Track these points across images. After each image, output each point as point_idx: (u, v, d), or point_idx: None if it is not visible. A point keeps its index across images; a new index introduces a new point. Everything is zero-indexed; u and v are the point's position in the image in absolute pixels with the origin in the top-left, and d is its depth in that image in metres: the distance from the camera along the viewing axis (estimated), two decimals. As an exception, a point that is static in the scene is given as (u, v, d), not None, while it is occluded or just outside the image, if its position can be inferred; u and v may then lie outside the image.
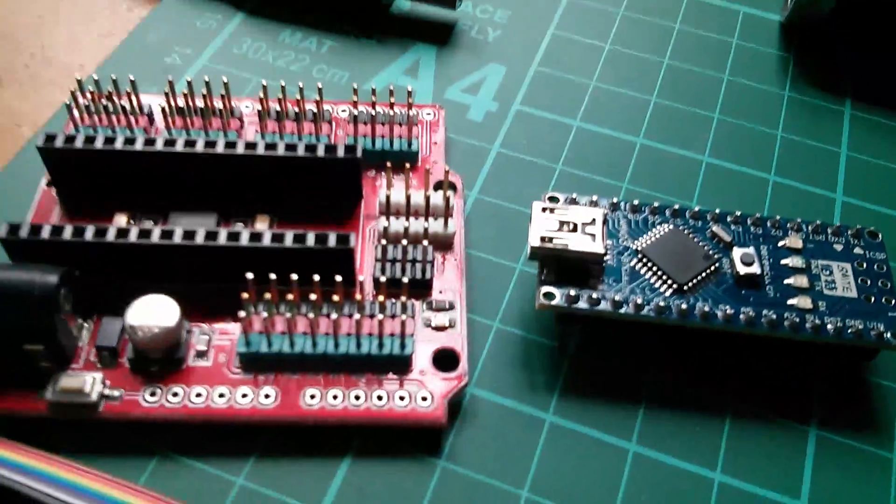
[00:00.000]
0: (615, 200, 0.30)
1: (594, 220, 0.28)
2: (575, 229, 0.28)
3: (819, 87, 0.38)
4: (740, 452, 0.27)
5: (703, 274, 0.28)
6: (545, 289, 0.27)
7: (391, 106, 0.33)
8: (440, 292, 0.29)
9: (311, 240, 0.27)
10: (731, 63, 0.38)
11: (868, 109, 0.37)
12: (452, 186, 0.32)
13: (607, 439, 0.27)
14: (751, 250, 0.28)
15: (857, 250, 0.29)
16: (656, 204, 0.30)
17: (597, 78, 0.38)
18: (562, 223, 0.28)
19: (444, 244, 0.30)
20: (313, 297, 0.26)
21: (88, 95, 0.32)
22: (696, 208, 0.30)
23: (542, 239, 0.27)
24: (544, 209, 0.28)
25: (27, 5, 0.40)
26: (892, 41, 0.38)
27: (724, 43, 0.39)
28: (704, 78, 0.38)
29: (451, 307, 0.29)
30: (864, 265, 0.29)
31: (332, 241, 0.27)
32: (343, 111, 0.34)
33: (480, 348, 0.29)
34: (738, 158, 0.35)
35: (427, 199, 0.30)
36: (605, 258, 0.28)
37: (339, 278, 0.27)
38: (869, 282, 0.28)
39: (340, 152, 0.30)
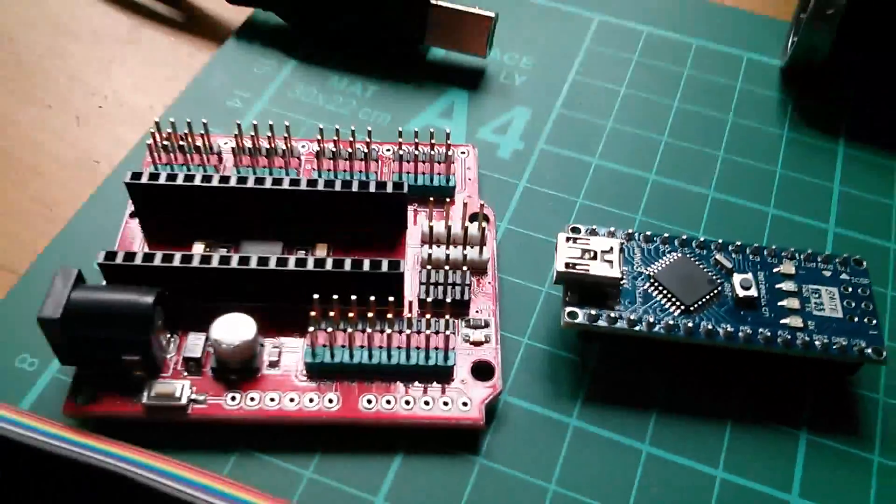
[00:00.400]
0: (630, 231, 0.34)
1: (612, 248, 0.32)
2: (595, 257, 0.32)
3: (815, 128, 0.42)
4: (740, 453, 0.31)
5: (708, 296, 0.32)
6: (569, 309, 0.31)
7: (431, 146, 0.37)
8: (477, 312, 0.33)
9: (367, 265, 0.32)
10: (735, 105, 0.43)
11: (860, 147, 0.41)
12: (486, 218, 0.37)
13: (624, 441, 0.31)
14: (749, 276, 0.32)
15: (844, 276, 0.33)
16: (666, 234, 0.34)
17: (613, 119, 0.42)
18: (584, 251, 0.32)
19: (479, 269, 0.35)
20: (370, 314, 0.31)
21: (165, 135, 0.36)
22: (702, 238, 0.34)
23: (567, 265, 0.31)
24: (568, 238, 0.32)
25: (98, 51, 0.45)
26: (883, 85, 0.42)
27: (729, 87, 0.44)
28: (711, 119, 0.42)
29: (487, 325, 0.33)
30: (850, 289, 0.33)
31: (385, 266, 0.32)
32: (388, 150, 0.38)
33: (512, 361, 0.33)
34: (740, 193, 0.39)
35: (465, 229, 0.34)
36: (622, 282, 0.32)
37: (391, 299, 0.31)
38: (853, 304, 0.32)
39: (389, 188, 0.34)
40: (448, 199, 0.36)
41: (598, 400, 0.32)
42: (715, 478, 0.31)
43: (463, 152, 0.39)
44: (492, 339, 0.33)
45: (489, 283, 0.34)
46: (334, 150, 0.36)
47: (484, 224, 0.35)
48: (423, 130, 0.40)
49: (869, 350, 0.31)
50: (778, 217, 0.38)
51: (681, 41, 0.46)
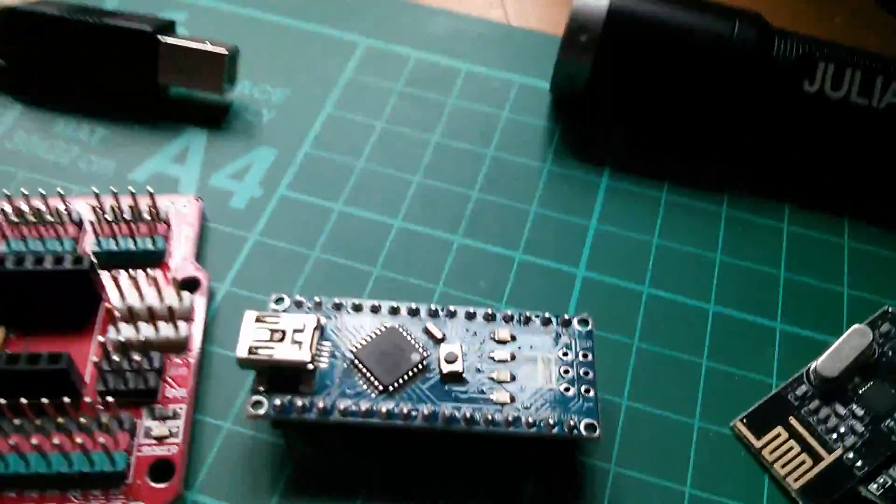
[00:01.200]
0: (338, 301, 0.31)
1: (304, 326, 0.29)
2: (283, 338, 0.29)
3: (578, 159, 0.39)
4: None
5: (409, 374, 0.29)
6: (254, 398, 0.28)
7: (152, 200, 0.34)
8: (169, 399, 0.30)
9: (23, 361, 0.28)
10: (497, 137, 0.40)
11: (623, 179, 0.39)
12: (195, 284, 0.33)
13: (320, 539, 0.29)
14: (456, 346, 0.30)
15: (565, 339, 0.30)
16: (375, 303, 0.31)
17: (365, 158, 0.39)
18: (272, 331, 0.29)
19: (178, 348, 0.31)
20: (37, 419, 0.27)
21: None
22: (414, 305, 0.31)
23: (251, 350, 0.28)
24: (258, 318, 0.29)
25: None
26: (643, 116, 0.40)
27: (494, 116, 0.41)
28: (468, 154, 0.39)
29: (175, 416, 0.30)
30: (569, 354, 0.30)
31: (43, 361, 0.28)
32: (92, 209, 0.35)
33: (208, 451, 0.30)
34: (488, 237, 0.36)
35: (170, 309, 0.31)
36: (320, 363, 0.29)
37: (66, 399, 0.28)
38: (570, 372, 0.30)
39: (67, 264, 0.30)
40: (150, 267, 0.33)
41: (301, 492, 0.29)
42: (416, 576, 0.28)
43: (184, 206, 0.35)
44: (179, 431, 0.29)
45: (190, 361, 0.31)
46: (23, 211, 0.33)
47: (185, 293, 0.32)
48: (148, 180, 0.37)
49: (581, 426, 0.28)
50: (525, 263, 0.36)
51: (450, 67, 0.42)
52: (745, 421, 0.31)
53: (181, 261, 0.34)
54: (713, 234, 0.37)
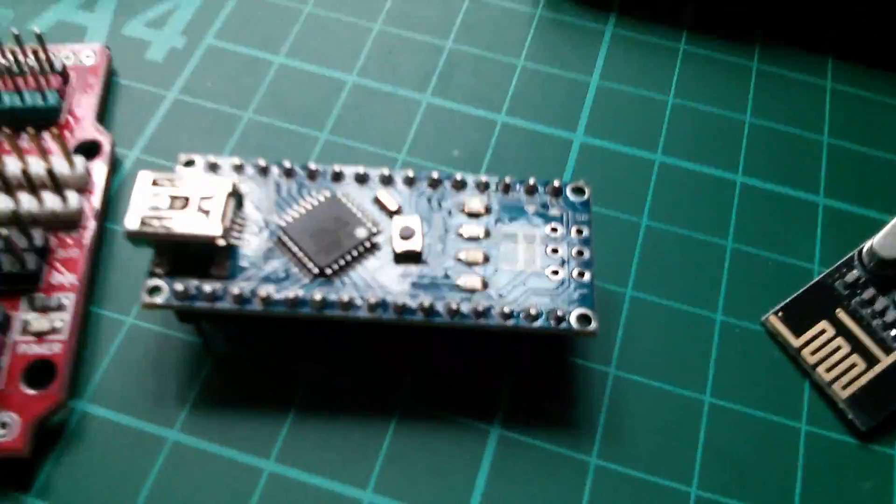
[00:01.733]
0: (263, 164, 0.24)
1: (216, 193, 0.22)
2: (186, 205, 0.22)
3: (577, 1, 0.32)
4: (401, 469, 0.22)
5: (353, 253, 0.23)
6: (151, 282, 0.22)
7: (42, 48, 0.27)
8: (54, 286, 0.24)
9: None
10: (477, -23, 0.32)
11: (632, 25, 0.31)
12: (94, 148, 0.27)
13: (240, 458, 0.22)
14: (414, 220, 0.23)
15: (554, 211, 0.24)
16: (313, 166, 0.24)
17: (313, 1, 0.32)
18: (172, 198, 0.22)
19: (69, 224, 0.25)
20: None
21: None
22: (362, 169, 0.24)
23: (143, 221, 0.22)
24: (156, 182, 0.23)
25: None
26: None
27: (475, -48, 0.33)
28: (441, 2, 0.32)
29: (61, 307, 0.23)
30: (559, 229, 0.24)
31: None
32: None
33: (104, 351, 0.24)
34: (464, 96, 0.29)
35: (49, 169, 0.25)
36: (236, 240, 0.23)
37: None
38: (560, 251, 0.23)
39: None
40: (51, 127, 0.26)
41: (218, 401, 0.23)
42: (361, 502, 0.22)
43: (88, 56, 0.29)
44: (64, 326, 0.23)
45: (84, 242, 0.25)
46: None
47: (79, 159, 0.25)
48: (51, 30, 0.30)
49: (572, 317, 0.22)
50: (508, 126, 0.29)
51: None
52: (780, 314, 0.25)
53: (80, 122, 0.27)
54: (741, 91, 0.30)
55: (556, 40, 0.31)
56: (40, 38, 0.27)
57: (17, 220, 0.24)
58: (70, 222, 0.25)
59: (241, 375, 0.24)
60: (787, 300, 0.25)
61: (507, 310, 0.22)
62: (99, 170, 0.26)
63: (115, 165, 0.27)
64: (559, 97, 0.30)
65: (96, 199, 0.26)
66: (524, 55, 0.30)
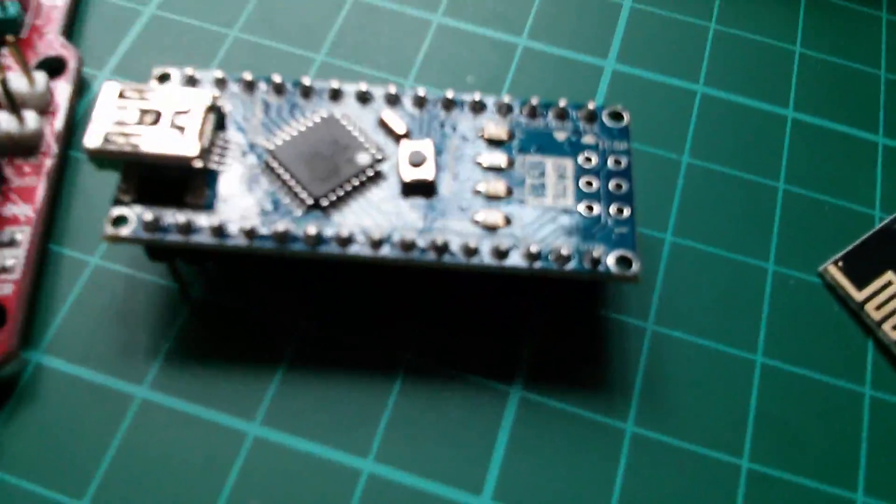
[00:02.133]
0: (250, 78, 0.21)
1: (193, 107, 0.19)
2: (157, 121, 0.19)
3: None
4: (406, 436, 0.19)
5: (355, 182, 0.19)
6: (116, 211, 0.19)
7: None
8: (6, 219, 0.21)
9: None
10: None
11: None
12: (59, 66, 0.23)
13: (221, 420, 0.19)
14: (426, 144, 0.20)
15: (588, 139, 0.21)
16: (308, 82, 0.21)
17: (311, -90, 0.28)
18: (143, 113, 0.19)
19: (24, 148, 0.22)
20: None
21: None
22: (364, 87, 0.21)
23: (106, 137, 0.19)
24: (123, 94, 0.19)
25: None
26: None
27: None
28: None
29: (13, 243, 0.20)
30: (594, 160, 0.20)
31: None
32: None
33: (64, 296, 0.21)
34: (480, 16, 0.26)
35: (3, 84, 0.21)
36: (217, 164, 0.19)
37: None
38: (594, 184, 0.20)
39: None
40: (14, 38, 0.23)
41: (196, 354, 0.20)
42: (360, 472, 0.19)
43: (51, -37, 0.25)
44: (17, 265, 0.20)
45: (43, 168, 0.21)
46: None
47: (39, 75, 0.22)
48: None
49: (609, 260, 0.19)
50: (532, 53, 0.25)
51: None
52: (840, 264, 0.22)
53: (44, 37, 0.24)
54: (790, 18, 0.27)
55: (584, -42, 0.28)
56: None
57: (-35, 141, 0.21)
58: (28, 146, 0.21)
59: (223, 324, 0.20)
60: (848, 248, 0.22)
61: (533, 250, 0.19)
62: (63, 90, 0.23)
63: (81, 86, 0.24)
64: (589, 18, 0.26)
65: (59, 122, 0.22)
66: (548, -26, 0.27)
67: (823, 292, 0.22)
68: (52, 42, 0.24)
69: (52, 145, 0.22)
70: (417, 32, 0.26)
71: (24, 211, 0.21)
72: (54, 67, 0.24)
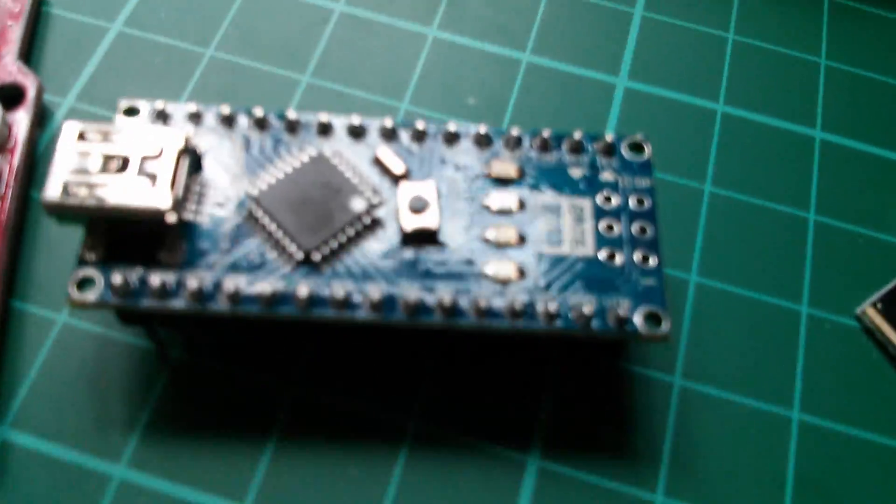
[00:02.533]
0: (228, 112, 0.19)
1: (164, 150, 0.17)
2: (124, 167, 0.17)
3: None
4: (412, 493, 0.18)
5: (350, 232, 0.17)
6: (80, 273, 0.17)
7: None
8: (-41, 274, 0.18)
9: None
10: None
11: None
12: (16, 95, 0.21)
13: (208, 502, 0.18)
14: (428, 187, 0.18)
15: (607, 175, 0.19)
16: (293, 116, 0.19)
17: (292, -87, 0.26)
18: (107, 158, 0.17)
19: (-24, 192, 0.19)
20: None
21: None
22: (358, 121, 0.19)
23: (66, 188, 0.16)
24: (84, 134, 0.17)
25: None
26: None
27: None
28: None
29: (-35, 301, 0.18)
30: (614, 199, 0.18)
31: None
32: None
33: (30, 361, 0.18)
34: (479, 30, 0.24)
35: (-49, 120, 0.19)
36: (193, 214, 0.17)
37: None
38: (616, 228, 0.18)
39: None
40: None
41: (176, 425, 0.18)
42: (364, 558, 0.17)
43: (5, -23, 0.23)
44: (-30, 327, 0.18)
45: (1, 218, 0.19)
46: None
47: (-8, 109, 0.20)
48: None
49: (637, 317, 0.17)
50: (537, 70, 0.23)
51: None
52: (879, 306, 0.20)
53: (-5, 60, 0.22)
54: (813, 27, 0.25)
55: (590, -38, 0.25)
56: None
57: None
58: (-21, 188, 0.19)
59: (206, 390, 0.18)
60: (888, 287, 0.20)
61: (552, 308, 0.17)
62: (21, 121, 0.21)
63: (42, 117, 0.21)
64: (596, 29, 0.24)
65: (17, 161, 0.20)
66: (551, -20, 0.25)
67: (862, 337, 0.20)
68: (7, 67, 0.21)
69: (10, 188, 0.20)
70: (411, 48, 0.23)
71: (-19, 265, 0.19)
72: (11, 96, 0.21)
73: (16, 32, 0.22)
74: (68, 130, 0.17)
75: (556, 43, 0.24)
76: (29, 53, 0.22)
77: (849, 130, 0.23)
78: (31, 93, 0.21)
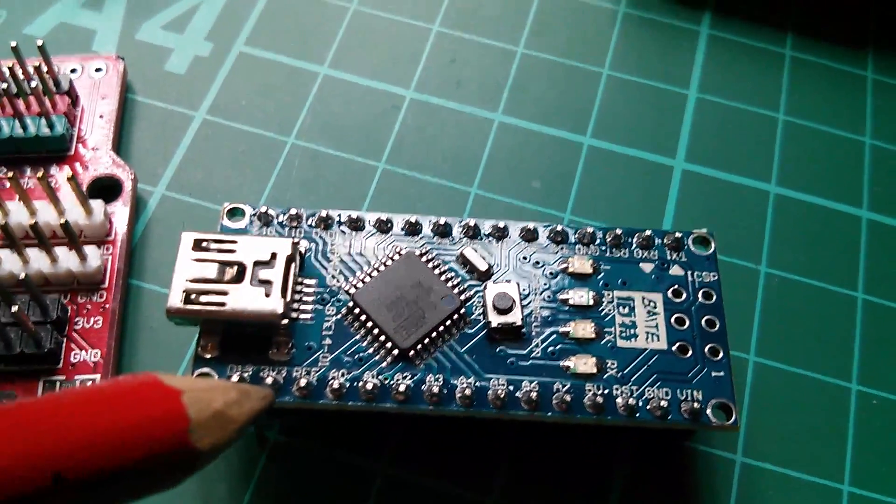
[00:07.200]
0: (325, 214, 0.20)
1: (274, 255, 0.18)
2: (241, 276, 0.18)
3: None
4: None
5: (440, 329, 0.19)
6: (197, 371, 0.18)
7: (45, 61, 0.22)
8: (76, 366, 0.20)
9: None
10: (548, -33, 0.28)
11: (731, 25, 0.27)
12: (114, 187, 0.23)
13: (308, 578, 0.19)
14: (511, 286, 0.19)
15: (676, 270, 0.20)
16: (383, 216, 0.20)
17: (357, 1, 0.27)
18: (223, 265, 0.18)
19: (87, 286, 0.21)
20: None
21: None
22: (442, 220, 0.20)
23: (187, 296, 0.18)
24: (200, 242, 0.19)
25: None
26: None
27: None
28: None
29: (83, 391, 0.20)
30: (684, 294, 0.20)
31: None
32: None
33: (137, 442, 0.20)
34: (541, 114, 0.25)
35: (64, 223, 0.20)
36: (299, 315, 0.19)
37: None
38: (687, 322, 0.19)
39: None
40: (58, 161, 0.22)
41: (279, 501, 0.20)
42: None
43: (98, 69, 0.24)
44: (89, 416, 0.19)
45: (107, 307, 0.21)
46: None
47: (96, 204, 0.21)
48: (49, 34, 0.25)
49: (709, 409, 0.18)
50: (598, 153, 0.25)
51: None
52: (928, 383, 0.22)
53: (93, 153, 0.23)
54: (858, 107, 0.26)
55: (645, 42, 0.27)
56: (43, 51, 0.23)
57: (27, 285, 0.20)
58: (90, 283, 0.21)
59: (303, 472, 0.20)
60: (937, 365, 0.22)
61: (631, 402, 0.18)
62: (120, 214, 0.22)
63: (137, 206, 0.23)
64: (653, 113, 0.25)
65: (119, 252, 0.22)
66: (609, 61, 0.26)
67: (911, 413, 0.21)
68: (102, 159, 0.23)
69: (114, 280, 0.21)
70: (479, 133, 0.25)
71: (92, 356, 0.20)
72: (107, 186, 0.23)
73: (108, 124, 0.24)
74: (186, 240, 0.18)
75: (614, 125, 0.25)
76: (119, 143, 0.24)
77: (895, 210, 0.24)
78: (127, 185, 0.23)
